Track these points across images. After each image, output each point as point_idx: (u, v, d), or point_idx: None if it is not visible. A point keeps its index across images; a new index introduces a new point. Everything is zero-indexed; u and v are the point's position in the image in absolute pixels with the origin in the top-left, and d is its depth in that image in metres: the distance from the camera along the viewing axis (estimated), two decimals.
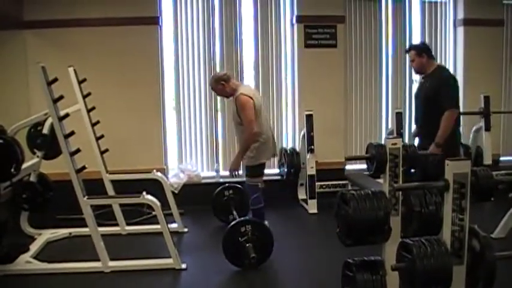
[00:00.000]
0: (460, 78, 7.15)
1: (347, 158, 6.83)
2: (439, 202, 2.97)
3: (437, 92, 4.54)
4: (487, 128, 6.38)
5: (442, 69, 4.90)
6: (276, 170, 6.85)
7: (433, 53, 4.89)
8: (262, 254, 4.47)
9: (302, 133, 6.55)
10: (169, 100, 7.08)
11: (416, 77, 5.88)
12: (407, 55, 5.06)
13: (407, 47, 5.30)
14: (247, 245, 4.41)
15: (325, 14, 6.74)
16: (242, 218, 4.79)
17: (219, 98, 6.77)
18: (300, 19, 6.74)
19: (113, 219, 5.52)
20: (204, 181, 6.71)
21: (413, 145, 3.93)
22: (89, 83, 5.40)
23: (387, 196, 2.97)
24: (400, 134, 6.37)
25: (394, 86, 7.20)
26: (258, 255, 4.39)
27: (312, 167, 6.36)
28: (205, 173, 6.89)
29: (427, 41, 7.16)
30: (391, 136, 4.46)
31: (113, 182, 5.53)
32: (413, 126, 5.35)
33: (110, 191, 5.48)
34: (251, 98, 4.76)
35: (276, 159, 6.82)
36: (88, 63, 6.05)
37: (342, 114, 6.96)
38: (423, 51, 4.74)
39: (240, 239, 4.43)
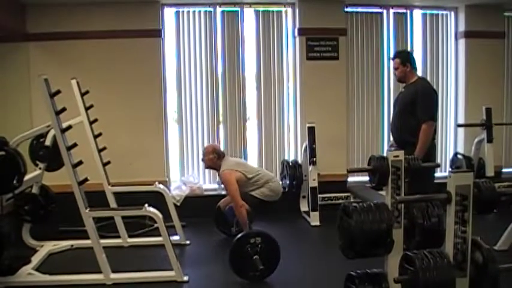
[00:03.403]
0: (461, 90, 7.22)
1: (349, 170, 6.83)
2: (442, 214, 2.96)
3: (414, 102, 4.55)
4: (489, 140, 6.37)
5: (423, 80, 4.90)
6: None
7: (416, 65, 4.89)
8: (269, 266, 4.46)
9: (304, 145, 6.55)
10: (171, 112, 7.10)
11: None
12: (391, 62, 5.08)
13: (392, 54, 5.32)
14: (255, 257, 4.40)
15: (327, 26, 6.76)
16: (251, 230, 4.83)
17: (221, 110, 6.82)
18: (301, 32, 6.77)
19: (115, 231, 5.51)
20: (206, 193, 6.72)
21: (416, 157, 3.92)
22: (92, 95, 5.41)
23: (389, 208, 2.96)
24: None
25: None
26: (265, 267, 4.38)
27: (314, 179, 6.34)
28: (207, 186, 6.90)
29: (428, 53, 7.21)
30: (393, 148, 4.46)
31: (115, 194, 5.52)
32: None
33: (112, 203, 5.47)
34: (234, 170, 5.24)
35: (278, 172, 6.84)
36: (91, 75, 6.08)
37: (344, 126, 6.96)
38: (408, 60, 4.76)
39: (248, 250, 4.41)
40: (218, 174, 5.56)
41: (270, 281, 4.53)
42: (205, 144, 6.74)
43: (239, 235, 4.55)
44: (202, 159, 5.55)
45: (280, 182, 6.73)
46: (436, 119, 4.71)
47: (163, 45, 6.67)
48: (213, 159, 5.40)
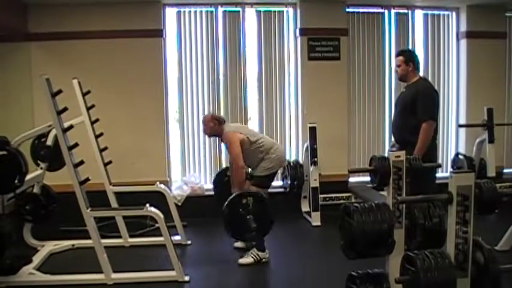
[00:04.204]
0: (463, 90, 7.21)
1: (350, 170, 6.82)
2: (443, 215, 2.96)
3: (415, 101, 4.54)
4: (491, 140, 6.35)
5: (424, 80, 4.89)
6: (280, 183, 6.84)
7: (419, 66, 4.91)
8: (263, 226, 4.52)
9: (305, 145, 6.55)
10: (173, 112, 7.11)
11: None
12: (394, 59, 5.08)
13: (395, 53, 5.33)
14: (248, 216, 4.42)
15: (328, 26, 6.76)
16: (243, 191, 4.85)
17: (222, 110, 6.82)
18: (303, 32, 6.77)
19: (116, 231, 5.52)
20: (207, 193, 6.70)
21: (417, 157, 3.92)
22: (93, 95, 5.42)
23: (391, 209, 2.96)
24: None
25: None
26: (259, 227, 4.46)
27: (316, 180, 6.35)
28: (209, 185, 6.88)
29: (429, 53, 7.21)
30: (394, 149, 4.46)
31: (116, 194, 5.53)
32: None
33: (113, 203, 5.48)
34: (238, 132, 5.12)
35: (280, 172, 6.84)
36: (92, 75, 6.09)
37: (345, 126, 6.96)
38: (411, 60, 4.75)
39: (241, 211, 4.46)
40: (221, 140, 5.40)
41: (270, 281, 4.55)
42: (207, 142, 6.85)
43: (230, 197, 4.61)
44: (204, 131, 5.43)
45: (282, 182, 6.78)
46: (437, 119, 4.70)
47: (164, 45, 6.67)
48: (214, 126, 5.24)
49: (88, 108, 5.36)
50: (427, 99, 4.55)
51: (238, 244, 5.36)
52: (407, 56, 4.78)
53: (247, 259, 4.89)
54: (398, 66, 4.82)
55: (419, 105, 4.51)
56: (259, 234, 4.61)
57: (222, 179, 6.00)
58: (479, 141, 6.53)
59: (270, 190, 6.79)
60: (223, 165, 6.78)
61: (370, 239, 2.82)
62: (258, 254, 4.90)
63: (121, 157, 5.95)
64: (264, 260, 4.93)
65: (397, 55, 4.92)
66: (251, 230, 4.45)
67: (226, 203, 4.60)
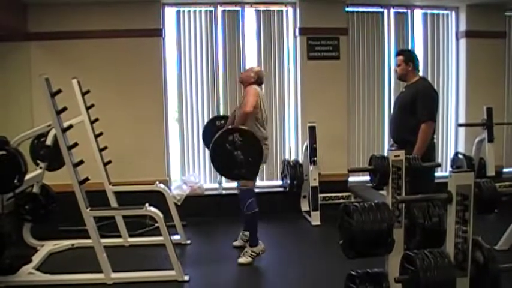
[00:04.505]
0: (462, 89, 7.22)
1: (350, 169, 6.82)
2: (443, 214, 2.96)
3: (414, 101, 4.54)
4: (490, 140, 6.36)
5: (424, 80, 4.87)
6: (279, 182, 6.85)
7: (419, 66, 4.90)
8: (252, 162, 4.56)
9: (305, 145, 6.55)
10: (172, 112, 7.11)
11: None
12: (393, 59, 5.08)
13: (397, 50, 5.33)
14: (236, 152, 4.43)
15: (327, 26, 6.76)
16: (228, 127, 4.88)
17: (222, 109, 6.80)
18: (302, 31, 6.77)
19: (116, 230, 5.51)
20: (206, 193, 6.71)
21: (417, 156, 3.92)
22: (92, 95, 5.42)
23: (390, 208, 2.96)
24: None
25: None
26: (248, 162, 4.49)
27: (315, 179, 6.35)
28: (208, 185, 6.89)
29: (429, 53, 7.21)
30: (394, 148, 4.46)
31: (115, 193, 5.53)
32: None
33: (113, 202, 5.48)
34: (260, 97, 4.99)
35: (279, 171, 6.85)
36: (91, 74, 6.09)
37: (345, 126, 6.96)
38: (411, 60, 4.74)
39: (228, 147, 4.48)
40: (244, 88, 5.20)
41: (270, 280, 4.54)
42: None
43: (217, 134, 4.65)
44: (240, 74, 5.49)
45: (281, 181, 6.78)
46: (436, 119, 4.70)
47: (164, 44, 6.67)
48: (251, 78, 5.12)
49: (87, 108, 5.36)
50: (427, 100, 4.55)
51: (237, 243, 5.38)
52: (407, 56, 4.78)
53: (246, 259, 4.90)
54: (398, 65, 4.81)
55: (419, 106, 4.51)
56: (249, 171, 4.60)
57: (211, 129, 5.82)
58: (478, 140, 6.54)
59: (269, 190, 6.89)
60: None
61: (370, 239, 2.82)
62: (253, 251, 4.92)
63: (120, 157, 5.95)
64: (261, 252, 4.95)
65: (397, 54, 4.92)
66: (240, 165, 4.43)
67: (213, 140, 4.59)
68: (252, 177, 4.95)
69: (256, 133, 4.89)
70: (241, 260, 4.90)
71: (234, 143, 4.51)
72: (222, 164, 4.57)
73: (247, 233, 5.15)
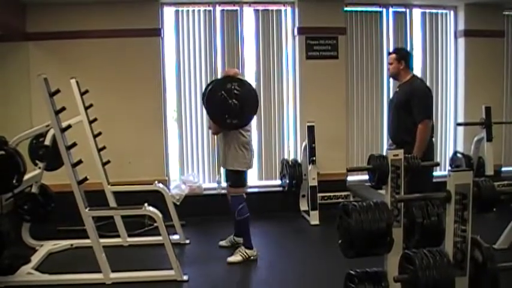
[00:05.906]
0: (461, 89, 7.23)
1: (349, 169, 6.80)
2: (441, 213, 2.96)
3: (409, 101, 4.54)
4: (489, 139, 6.37)
5: (417, 79, 4.86)
6: (278, 182, 6.85)
7: (412, 64, 4.91)
8: (247, 111, 4.61)
9: (304, 144, 6.55)
10: (171, 111, 7.10)
11: None
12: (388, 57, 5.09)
13: (391, 49, 5.33)
14: (231, 101, 4.46)
15: (326, 25, 6.76)
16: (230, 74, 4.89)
17: None
18: (301, 31, 6.77)
19: (115, 230, 5.51)
20: (205, 193, 6.71)
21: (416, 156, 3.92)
22: (91, 95, 5.42)
23: (389, 207, 2.96)
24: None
25: None
26: (241, 112, 4.53)
27: (314, 178, 6.35)
28: (207, 185, 6.89)
29: (427, 52, 7.22)
30: (392, 147, 4.46)
31: (114, 193, 5.53)
32: None
33: (112, 202, 5.47)
34: None
35: (278, 171, 6.85)
36: (90, 74, 6.08)
37: (344, 125, 6.96)
38: (403, 58, 4.74)
39: (223, 95, 4.49)
40: None
41: (269, 280, 4.54)
42: (205, 142, 6.88)
43: (215, 81, 4.76)
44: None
45: (280, 181, 6.78)
46: (432, 117, 4.70)
47: (162, 44, 6.67)
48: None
49: (86, 108, 5.35)
50: (421, 99, 4.55)
51: (223, 243, 5.41)
52: (400, 54, 4.78)
53: (236, 257, 4.92)
54: (390, 64, 4.82)
55: (413, 106, 4.51)
56: (240, 122, 4.63)
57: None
58: (477, 139, 6.55)
59: (268, 189, 6.89)
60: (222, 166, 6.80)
61: (369, 238, 2.81)
62: (246, 252, 4.93)
63: (119, 156, 5.95)
64: (252, 257, 4.95)
65: (390, 53, 4.93)
66: (233, 114, 4.46)
67: (211, 85, 4.61)
68: (243, 167, 4.96)
69: (239, 139, 4.89)
70: (230, 258, 4.93)
71: (230, 91, 4.50)
72: (215, 110, 4.56)
73: (239, 239, 5.17)
